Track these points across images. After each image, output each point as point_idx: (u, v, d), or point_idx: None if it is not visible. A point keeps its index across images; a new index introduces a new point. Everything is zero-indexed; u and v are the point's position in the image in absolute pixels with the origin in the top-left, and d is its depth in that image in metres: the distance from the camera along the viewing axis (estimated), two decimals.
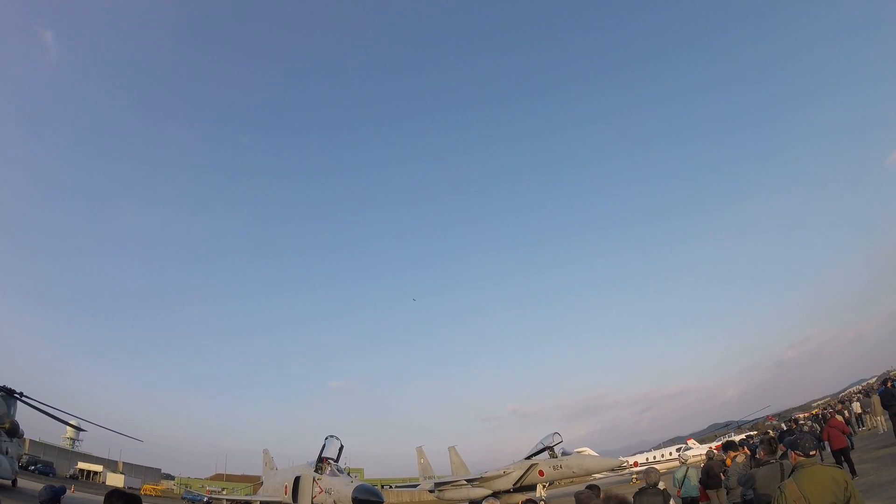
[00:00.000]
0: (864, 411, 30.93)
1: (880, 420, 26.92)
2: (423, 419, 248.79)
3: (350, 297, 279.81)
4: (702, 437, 69.24)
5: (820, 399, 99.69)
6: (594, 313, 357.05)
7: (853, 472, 13.76)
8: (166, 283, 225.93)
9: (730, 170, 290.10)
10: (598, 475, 31.04)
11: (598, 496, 6.93)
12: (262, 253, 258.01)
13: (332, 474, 17.57)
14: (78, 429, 33.47)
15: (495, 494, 29.63)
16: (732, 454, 10.23)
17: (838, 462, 14.19)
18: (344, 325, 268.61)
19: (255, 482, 57.11)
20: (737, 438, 31.44)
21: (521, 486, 28.61)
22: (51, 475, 46.87)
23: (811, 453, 4.97)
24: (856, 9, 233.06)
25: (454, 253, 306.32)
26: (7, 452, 22.32)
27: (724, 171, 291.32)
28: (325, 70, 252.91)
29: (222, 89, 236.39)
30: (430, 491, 35.08)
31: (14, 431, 23.06)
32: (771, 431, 25.95)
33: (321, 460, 18.17)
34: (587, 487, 7.26)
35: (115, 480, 57.28)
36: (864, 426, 31.17)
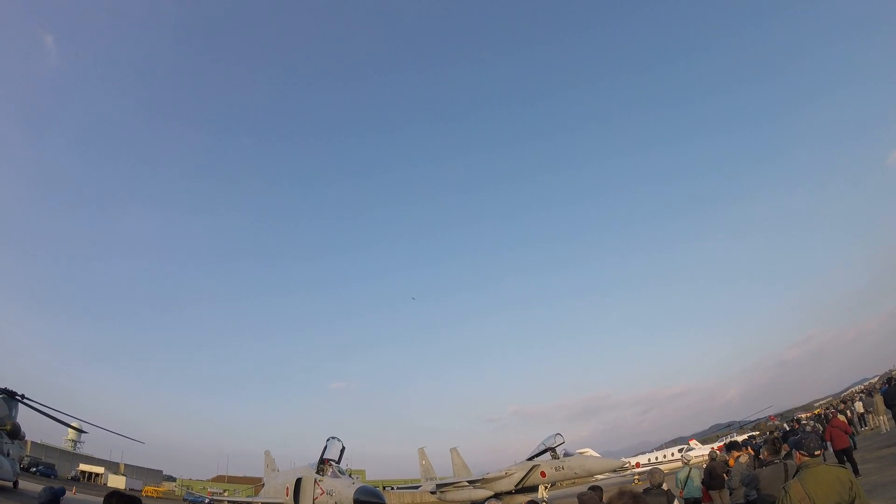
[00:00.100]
0: (867, 411, 30.83)
1: (883, 419, 26.85)
2: (424, 420, 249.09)
3: (351, 298, 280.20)
4: (704, 438, 69.01)
5: (822, 399, 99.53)
6: (596, 314, 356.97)
7: (856, 473, 13.70)
8: (167, 285, 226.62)
9: (730, 170, 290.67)
10: (600, 476, 30.95)
11: (600, 497, 6.90)
12: (264, 255, 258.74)
13: (334, 476, 17.54)
14: (79, 430, 33.40)
15: (497, 496, 29.55)
16: (736, 454, 10.20)
17: (841, 462, 14.14)
18: (345, 327, 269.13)
19: (256, 484, 57.05)
20: (739, 439, 31.41)
21: (523, 488, 28.54)
22: (52, 477, 46.86)
23: (816, 453, 4.94)
24: (854, 9, 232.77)
25: (456, 254, 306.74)
26: (8, 454, 22.28)
27: (724, 171, 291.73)
28: (326, 72, 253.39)
29: (223, 92, 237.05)
30: (432, 492, 35.00)
31: (15, 433, 23.01)
32: (776, 432, 25.87)
33: (323, 462, 18.13)
34: (590, 488, 7.22)
35: (117, 482, 57.23)
36: (866, 426, 31.09)
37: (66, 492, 7.57)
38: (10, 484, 22.84)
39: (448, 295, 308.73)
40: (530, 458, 28.59)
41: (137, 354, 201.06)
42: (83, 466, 59.77)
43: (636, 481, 37.78)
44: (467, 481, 31.86)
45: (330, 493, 16.96)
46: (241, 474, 75.98)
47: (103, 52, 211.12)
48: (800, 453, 5.02)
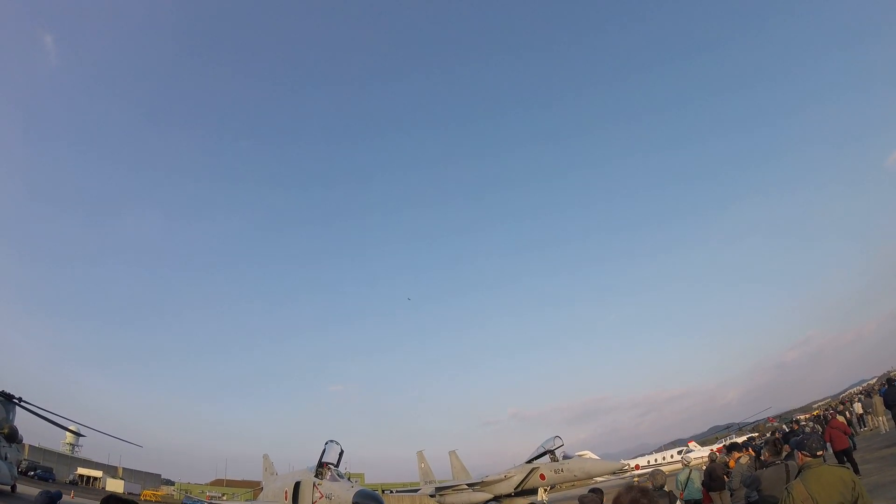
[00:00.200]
0: (866, 412, 30.87)
1: (882, 420, 26.89)
2: (423, 423, 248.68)
3: (351, 301, 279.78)
4: (703, 440, 68.98)
5: (821, 400, 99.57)
6: (594, 316, 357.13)
7: (856, 473, 13.69)
8: (166, 287, 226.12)
9: (728, 172, 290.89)
10: (599, 478, 30.90)
11: (601, 499, 6.88)
12: (262, 258, 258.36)
13: (333, 479, 17.46)
14: (77, 434, 33.44)
15: (497, 499, 29.50)
16: (737, 455, 10.17)
17: (841, 463, 14.13)
18: (344, 330, 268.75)
19: (255, 487, 56.89)
20: (739, 440, 31.39)
21: (523, 490, 28.47)
22: (50, 481, 46.63)
23: (818, 454, 4.93)
24: (853, 11, 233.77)
25: (454, 257, 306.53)
26: (6, 458, 22.20)
27: (722, 173, 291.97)
28: (326, 75, 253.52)
29: (222, 94, 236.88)
30: (431, 496, 34.89)
31: (13, 437, 22.94)
32: (777, 433, 25.87)
33: (321, 465, 18.04)
34: (590, 491, 7.20)
35: (115, 486, 57.04)
36: (865, 427, 31.11)
37: (63, 495, 7.53)
38: (8, 488, 22.78)
39: (447, 298, 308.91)
40: (529, 461, 28.52)
41: (136, 357, 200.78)
42: (81, 470, 59.57)
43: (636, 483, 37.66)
44: (466, 484, 31.77)
45: (329, 497, 16.88)
46: (239, 478, 75.91)
47: (103, 52, 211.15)
48: (802, 454, 5.00)
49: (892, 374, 52.20)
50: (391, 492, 55.65)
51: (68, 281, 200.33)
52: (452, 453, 37.81)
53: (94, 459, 66.78)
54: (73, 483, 53.66)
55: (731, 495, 9.71)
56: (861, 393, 52.54)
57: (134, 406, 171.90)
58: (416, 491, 41.59)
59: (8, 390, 23.05)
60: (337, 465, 18.29)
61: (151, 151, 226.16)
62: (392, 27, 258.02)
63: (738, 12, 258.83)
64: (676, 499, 8.83)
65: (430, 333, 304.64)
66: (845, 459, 14.76)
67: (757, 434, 44.40)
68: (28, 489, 27.06)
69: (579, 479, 28.41)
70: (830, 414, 26.95)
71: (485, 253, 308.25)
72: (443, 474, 39.35)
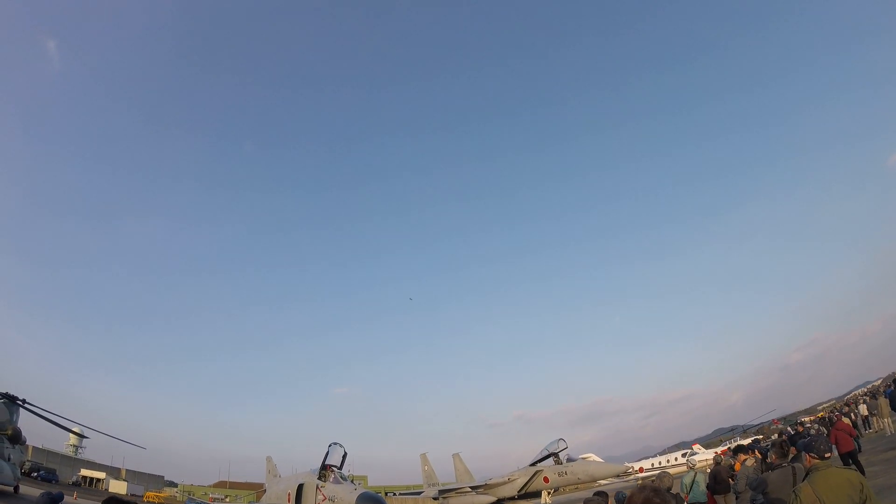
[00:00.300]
0: (871, 413, 30.70)
1: (887, 422, 26.74)
2: (427, 426, 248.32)
3: (354, 303, 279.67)
4: (707, 442, 68.76)
5: (825, 402, 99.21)
6: (599, 319, 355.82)
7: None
8: (170, 290, 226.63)
9: (733, 175, 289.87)
10: (603, 481, 30.81)
11: (606, 503, 6.85)
12: (267, 261, 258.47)
13: (336, 482, 17.42)
14: (80, 436, 33.45)
15: (500, 501, 29.42)
16: (742, 458, 10.10)
17: (846, 465, 14.04)
18: (348, 332, 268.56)
19: (258, 489, 56.82)
20: (744, 443, 31.24)
21: (526, 493, 28.40)
22: (53, 482, 46.68)
23: (826, 456, 4.88)
24: (852, 14, 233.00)
25: (460, 260, 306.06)
26: (9, 459, 22.25)
27: (726, 176, 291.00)
28: (330, 78, 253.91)
29: (226, 98, 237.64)
30: (435, 498, 34.85)
31: (17, 438, 22.99)
32: (783, 435, 25.75)
33: (324, 467, 18.02)
34: (595, 494, 7.18)
35: (118, 488, 57.15)
36: (870, 429, 30.93)
37: (65, 497, 7.52)
38: (11, 489, 22.82)
39: (452, 301, 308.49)
40: (533, 464, 28.45)
41: (139, 359, 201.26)
42: (84, 472, 59.68)
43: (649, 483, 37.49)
44: (470, 487, 31.71)
45: (332, 500, 16.84)
46: (242, 480, 75.91)
47: (105, 56, 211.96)
48: (810, 456, 4.96)
49: None
50: (394, 494, 55.48)
51: (72, 283, 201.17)
52: (456, 456, 37.73)
53: (98, 461, 66.91)
54: (76, 484, 53.72)
55: (737, 498, 9.64)
56: (866, 394, 52.25)
57: (137, 408, 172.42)
58: (419, 493, 41.48)
59: (11, 392, 23.12)
60: (340, 468, 18.25)
61: (154, 154, 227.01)
62: (392, 29, 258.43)
63: (738, 14, 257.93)
64: (682, 501, 8.77)
65: (435, 336, 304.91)
66: (850, 462, 14.67)
67: (762, 437, 44.21)
68: (31, 490, 27.09)
69: (583, 482, 28.34)
70: (836, 416, 26.83)
71: (490, 255, 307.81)
72: (446, 477, 39.27)
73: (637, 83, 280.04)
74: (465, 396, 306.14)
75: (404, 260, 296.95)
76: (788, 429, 38.25)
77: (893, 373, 68.93)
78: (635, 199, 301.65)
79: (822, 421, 36.45)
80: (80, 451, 70.42)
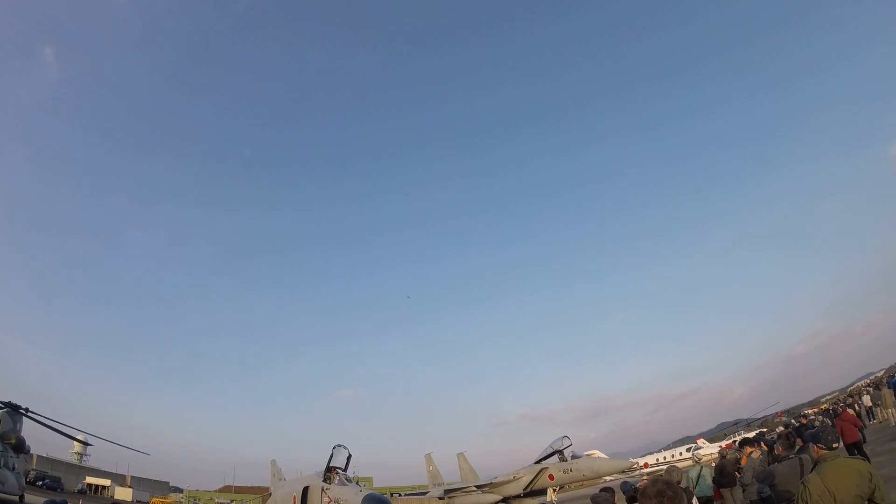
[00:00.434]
0: (875, 404, 30.73)
1: (891, 412, 26.76)
2: (431, 426, 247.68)
3: (355, 304, 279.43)
4: (711, 437, 68.76)
5: (828, 394, 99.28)
6: (602, 316, 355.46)
7: None
8: (172, 294, 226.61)
9: (732, 177, 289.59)
10: (609, 478, 30.81)
11: (613, 499, 6.84)
12: (268, 263, 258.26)
13: (341, 484, 17.43)
14: (85, 443, 33.39)
15: (506, 500, 29.43)
16: (749, 450, 10.10)
17: (851, 455, 14.05)
18: (351, 333, 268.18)
19: (263, 493, 56.89)
20: (749, 436, 31.26)
21: (532, 491, 28.40)
22: (58, 490, 46.70)
23: (834, 446, 4.87)
24: (853, 16, 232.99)
25: (463, 258, 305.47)
26: (14, 468, 22.19)
27: (728, 174, 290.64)
28: (331, 81, 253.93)
29: (225, 101, 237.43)
30: (440, 498, 34.86)
31: (20, 447, 22.93)
32: (789, 427, 25.76)
33: (329, 470, 18.02)
34: (602, 490, 7.17)
35: (124, 494, 57.18)
36: (874, 419, 30.95)
37: None
38: (16, 498, 22.76)
39: (455, 301, 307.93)
40: (538, 462, 28.45)
41: (142, 365, 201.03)
42: (90, 479, 59.71)
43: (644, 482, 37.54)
44: (475, 486, 31.72)
45: (337, 501, 16.85)
46: (248, 484, 75.83)
47: (104, 61, 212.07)
48: (818, 447, 4.94)
49: None
50: (400, 495, 55.42)
51: (73, 288, 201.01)
52: (461, 455, 37.76)
53: (103, 468, 66.83)
54: (81, 492, 53.73)
55: (744, 491, 9.63)
56: (869, 385, 52.30)
57: (142, 414, 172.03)
58: (424, 494, 41.49)
59: (15, 401, 23.07)
60: (345, 470, 18.27)
61: (155, 155, 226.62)
62: (391, 32, 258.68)
63: (737, 19, 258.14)
64: (692, 495, 8.76)
65: (438, 336, 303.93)
66: (856, 452, 14.67)
67: (766, 430, 44.21)
68: (36, 499, 27.11)
69: (588, 479, 28.32)
70: (841, 407, 26.84)
71: (493, 253, 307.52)
72: (451, 477, 39.29)
73: (636, 90, 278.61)
74: (470, 396, 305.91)
75: (407, 259, 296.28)
76: (793, 421, 38.24)
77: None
78: (638, 199, 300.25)
79: (825, 413, 36.48)
80: (84, 458, 70.43)
